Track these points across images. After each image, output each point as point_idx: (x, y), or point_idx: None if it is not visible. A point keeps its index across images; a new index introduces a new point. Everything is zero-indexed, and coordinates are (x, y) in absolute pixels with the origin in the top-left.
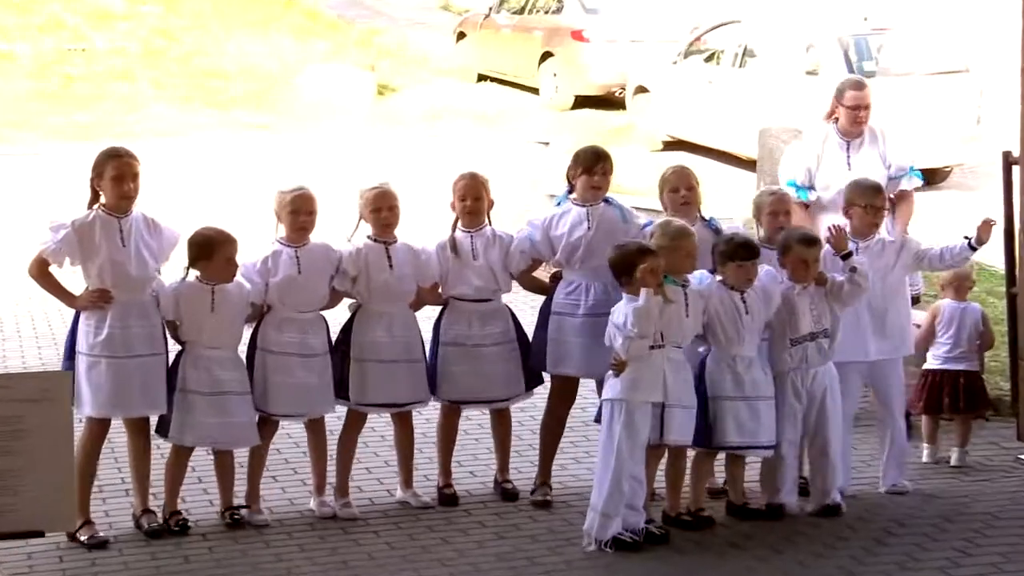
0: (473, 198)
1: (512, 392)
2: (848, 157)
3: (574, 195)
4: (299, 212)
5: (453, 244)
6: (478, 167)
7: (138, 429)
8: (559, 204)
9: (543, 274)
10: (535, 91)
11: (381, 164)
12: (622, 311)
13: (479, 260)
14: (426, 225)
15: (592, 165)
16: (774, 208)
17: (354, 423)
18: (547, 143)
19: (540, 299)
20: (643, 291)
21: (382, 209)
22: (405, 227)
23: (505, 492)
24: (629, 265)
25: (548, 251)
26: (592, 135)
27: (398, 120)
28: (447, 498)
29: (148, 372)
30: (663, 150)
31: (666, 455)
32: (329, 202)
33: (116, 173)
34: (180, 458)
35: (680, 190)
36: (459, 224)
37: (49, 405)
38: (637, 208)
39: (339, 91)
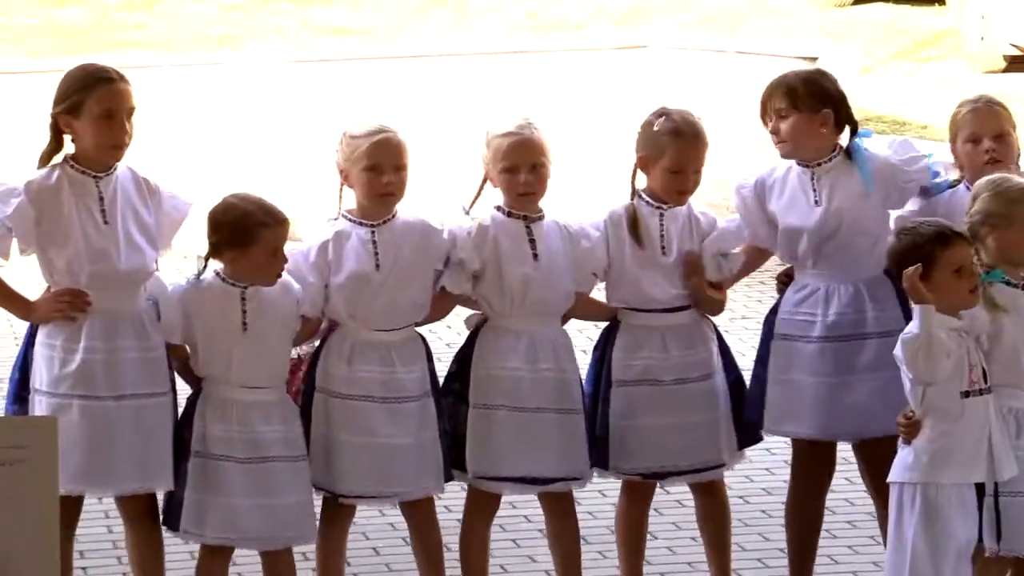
0: (693, 165)
1: (726, 455)
2: None
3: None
4: (380, 168)
5: (634, 223)
6: (690, 101)
7: (138, 512)
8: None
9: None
10: None
11: (528, 95)
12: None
13: (670, 254)
14: (599, 193)
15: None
16: None
17: (481, 506)
18: (814, 58)
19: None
20: (916, 310)
21: (520, 168)
22: (555, 195)
23: None
24: (921, 262)
25: (769, 234)
26: (888, 44)
27: (557, 24)
28: None
29: (145, 423)
30: (1006, 70)
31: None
32: (443, 152)
33: (105, 108)
34: (216, 561)
35: (982, 139)
36: (645, 193)
37: (21, 471)
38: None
39: None
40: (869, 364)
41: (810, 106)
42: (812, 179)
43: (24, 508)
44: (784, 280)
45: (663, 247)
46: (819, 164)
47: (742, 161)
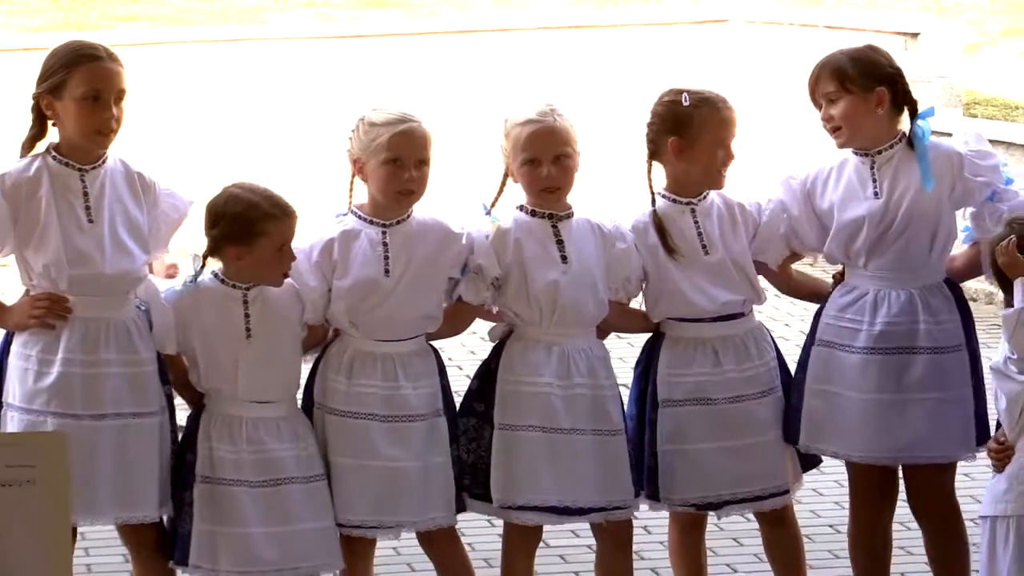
0: (732, 136)
1: (792, 473)
2: None
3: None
4: (401, 163)
5: (660, 228)
6: (774, 81)
7: (143, 543)
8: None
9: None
10: None
11: (592, 75)
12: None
13: (714, 253)
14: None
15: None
16: None
17: (518, 540)
18: (914, 34)
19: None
20: (1018, 283)
21: (541, 161)
22: (619, 188)
23: None
24: None
25: (813, 234)
26: (998, 19)
27: None
28: None
29: (128, 446)
30: None
31: None
32: (484, 142)
33: (89, 88)
34: None
35: None
36: (667, 191)
37: (30, 492)
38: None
39: None
40: (919, 383)
41: (862, 85)
42: (872, 168)
43: (35, 530)
44: (838, 280)
45: (704, 245)
46: (879, 152)
47: (830, 147)
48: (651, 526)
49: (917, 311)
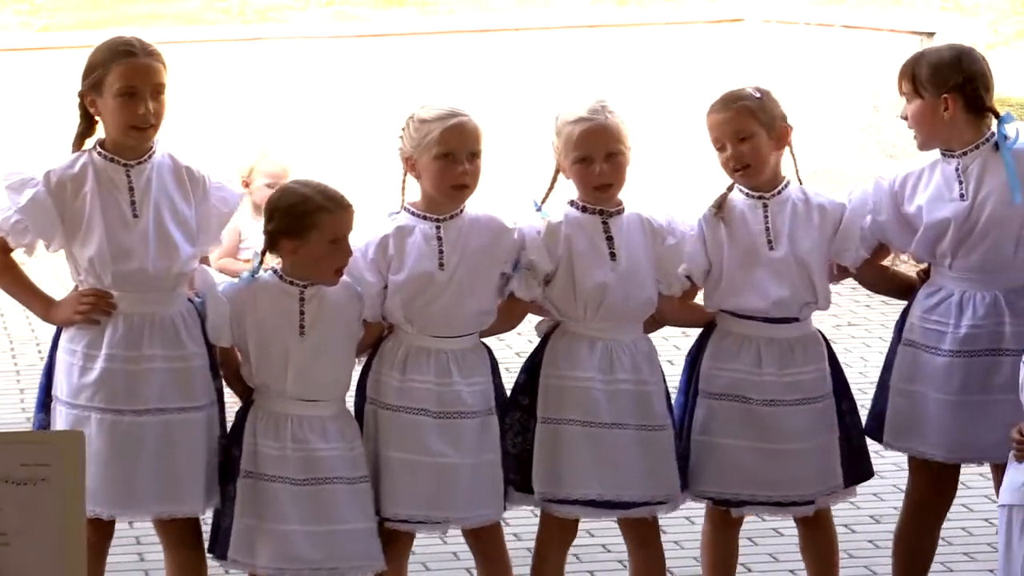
0: (735, 137)
1: (824, 485)
2: None
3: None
4: (454, 157)
5: (719, 206)
6: (790, 81)
7: (178, 539)
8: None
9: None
10: None
11: (611, 73)
12: None
13: (779, 249)
14: (692, 183)
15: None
16: None
17: (554, 533)
18: (931, 34)
19: None
20: None
21: (594, 158)
22: (642, 186)
23: None
24: None
25: (901, 236)
26: (1016, 19)
27: None
28: None
29: (173, 440)
30: None
31: None
32: (513, 140)
33: (125, 84)
34: None
35: None
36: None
37: (45, 491)
38: None
39: None
40: (1005, 384)
41: (930, 91)
42: (958, 171)
43: (49, 530)
44: (923, 278)
45: (769, 240)
46: (964, 153)
47: (846, 148)
48: (666, 526)
49: (1003, 313)
